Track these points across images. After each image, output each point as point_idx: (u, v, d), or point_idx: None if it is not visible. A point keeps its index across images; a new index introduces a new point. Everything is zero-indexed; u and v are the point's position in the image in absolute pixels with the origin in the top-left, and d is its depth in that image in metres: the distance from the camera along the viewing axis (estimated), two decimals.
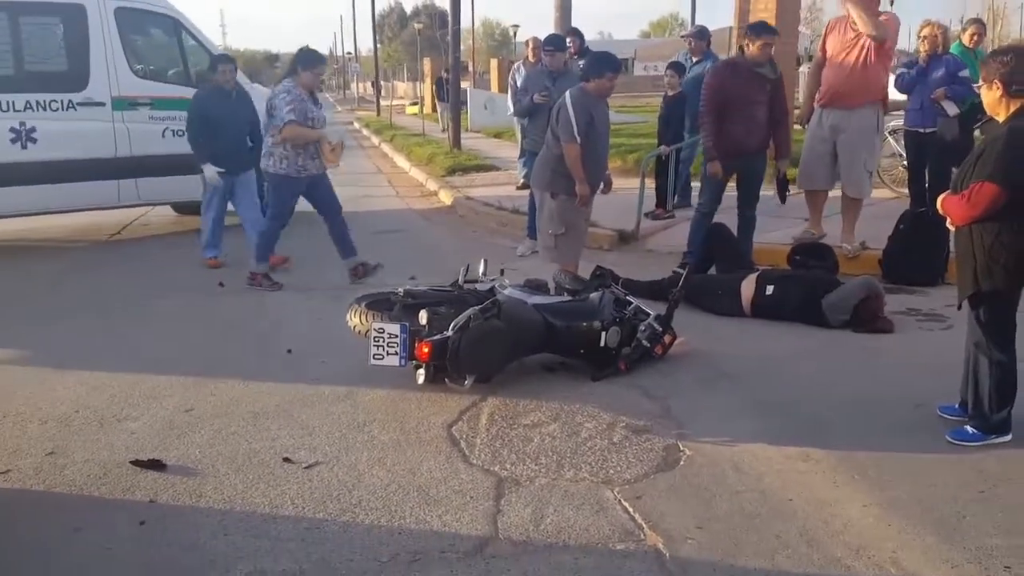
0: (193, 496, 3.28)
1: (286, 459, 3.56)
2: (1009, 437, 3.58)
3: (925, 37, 7.15)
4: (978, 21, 8.49)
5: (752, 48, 6.09)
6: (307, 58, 6.36)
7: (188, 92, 8.00)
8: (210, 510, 3.17)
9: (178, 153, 8.08)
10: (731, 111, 6.13)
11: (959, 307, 3.67)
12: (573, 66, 9.63)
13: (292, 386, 4.40)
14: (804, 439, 3.68)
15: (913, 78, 7.18)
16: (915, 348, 4.90)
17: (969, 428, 3.63)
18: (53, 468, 3.53)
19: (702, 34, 9.19)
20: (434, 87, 24.97)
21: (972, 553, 2.81)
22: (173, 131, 8.28)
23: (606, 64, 5.48)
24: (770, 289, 5.46)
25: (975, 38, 8.05)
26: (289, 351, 4.93)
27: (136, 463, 3.52)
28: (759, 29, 6.17)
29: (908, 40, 22.99)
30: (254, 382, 4.46)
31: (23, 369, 4.77)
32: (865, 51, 6.38)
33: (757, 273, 5.65)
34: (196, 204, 7.71)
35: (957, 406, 3.81)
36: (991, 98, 3.51)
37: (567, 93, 5.48)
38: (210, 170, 7.01)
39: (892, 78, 7.50)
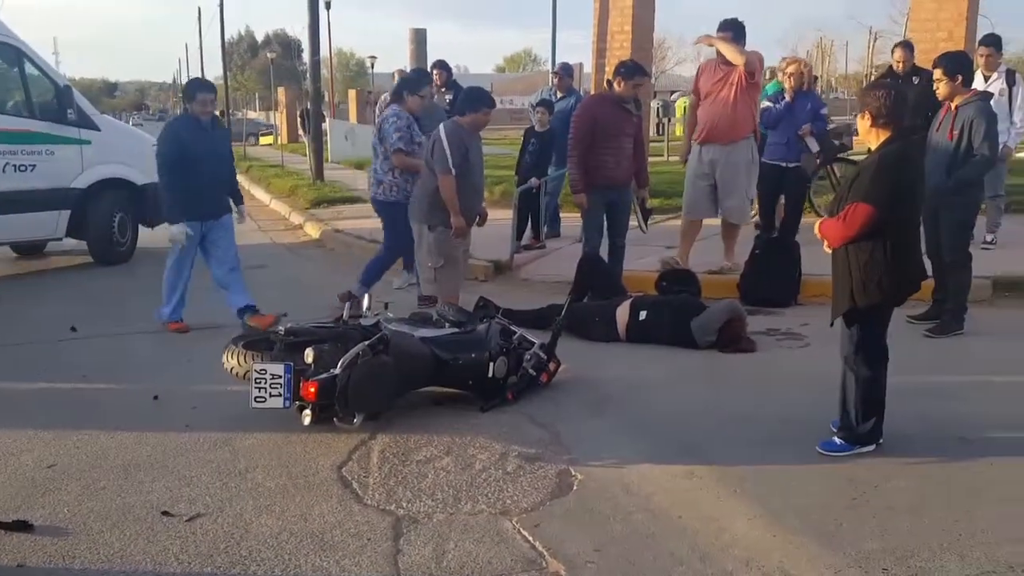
0: (67, 558, 3.05)
1: (165, 513, 3.36)
2: (874, 447, 3.81)
3: (791, 74, 7.34)
4: (798, 60, 9.14)
5: (622, 86, 6.37)
6: (413, 82, 6.27)
7: (31, 124, 7.54)
8: (87, 571, 2.96)
9: (19, 189, 7.61)
10: (600, 143, 6.38)
11: (832, 324, 3.90)
12: (438, 102, 9.73)
13: (163, 434, 4.16)
14: (687, 457, 3.82)
15: (780, 113, 7.35)
16: (777, 365, 5.19)
17: (837, 440, 3.84)
18: None
19: (568, 71, 9.48)
20: (300, 118, 24.53)
21: (852, 558, 2.98)
22: (15, 166, 7.77)
23: (481, 99, 5.58)
24: (643, 314, 5.66)
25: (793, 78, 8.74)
26: (156, 397, 4.67)
27: None
28: (632, 70, 6.46)
29: None
30: (121, 432, 4.19)
31: None
32: (735, 88, 6.78)
33: (630, 300, 5.84)
34: (38, 244, 7.23)
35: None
36: (863, 127, 3.81)
37: (441, 126, 5.51)
38: (180, 228, 5.90)
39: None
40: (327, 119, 22.28)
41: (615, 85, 6.44)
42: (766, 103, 7.63)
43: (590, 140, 6.39)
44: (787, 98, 7.32)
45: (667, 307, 5.75)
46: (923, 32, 9.25)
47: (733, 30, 6.82)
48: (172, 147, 5.82)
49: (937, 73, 5.51)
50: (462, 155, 5.37)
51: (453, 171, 5.33)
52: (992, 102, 6.38)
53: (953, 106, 5.48)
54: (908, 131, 3.86)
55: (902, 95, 3.77)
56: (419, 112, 6.48)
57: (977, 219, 5.80)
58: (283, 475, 3.70)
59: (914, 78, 7.77)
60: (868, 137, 3.80)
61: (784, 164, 7.41)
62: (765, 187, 7.67)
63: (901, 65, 8.01)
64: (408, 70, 9.17)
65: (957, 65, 5.50)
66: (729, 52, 6.74)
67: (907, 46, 8.23)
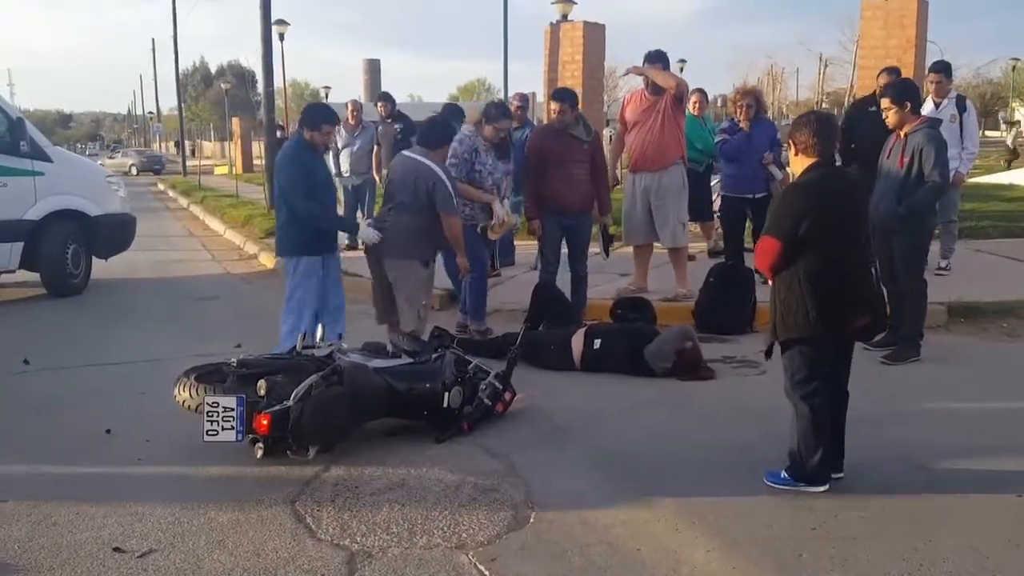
0: None
1: (116, 549, 3.28)
2: (825, 488, 3.72)
3: (747, 105, 7.36)
4: (700, 91, 9.29)
5: (487, 129, 6.37)
6: (493, 112, 6.32)
7: None
8: None
9: None
10: (550, 170, 6.49)
11: (766, 355, 3.90)
12: (385, 132, 9.74)
13: (115, 468, 4.08)
14: (644, 487, 3.81)
15: (738, 143, 7.33)
16: (734, 393, 5.23)
17: (783, 472, 3.79)
18: None
19: (524, 101, 9.58)
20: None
21: None
22: None
23: (447, 133, 5.75)
24: (597, 343, 5.68)
25: (697, 106, 9.08)
26: (108, 431, 4.56)
27: None
28: (554, 95, 6.67)
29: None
30: (72, 467, 4.11)
31: None
32: (662, 115, 6.96)
33: (584, 328, 5.86)
34: None
35: None
36: (791, 157, 3.86)
37: (433, 165, 5.44)
38: (370, 232, 5.50)
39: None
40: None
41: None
42: (721, 135, 7.72)
43: (541, 169, 6.51)
44: (743, 127, 7.38)
45: (621, 335, 5.78)
46: (873, 59, 9.48)
47: (661, 60, 7.07)
48: (304, 172, 5.39)
49: (885, 102, 5.56)
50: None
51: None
52: (943, 128, 6.57)
53: (903, 133, 5.53)
54: (830, 159, 3.81)
55: (826, 125, 3.76)
56: (494, 140, 6.44)
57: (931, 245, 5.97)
58: (236, 509, 3.63)
59: (872, 107, 7.84)
60: (794, 166, 3.83)
61: (751, 196, 7.47)
62: (731, 220, 7.69)
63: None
64: (361, 100, 9.18)
65: (905, 93, 5.57)
66: (661, 77, 6.96)
67: (892, 71, 8.14)
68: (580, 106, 6.96)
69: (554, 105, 6.55)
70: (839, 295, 3.63)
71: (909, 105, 5.50)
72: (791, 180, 3.85)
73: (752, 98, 7.50)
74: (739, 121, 7.56)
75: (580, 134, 6.54)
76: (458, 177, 6.03)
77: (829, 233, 3.61)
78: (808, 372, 3.69)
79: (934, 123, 5.74)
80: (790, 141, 3.81)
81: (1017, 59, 48.80)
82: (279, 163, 5.57)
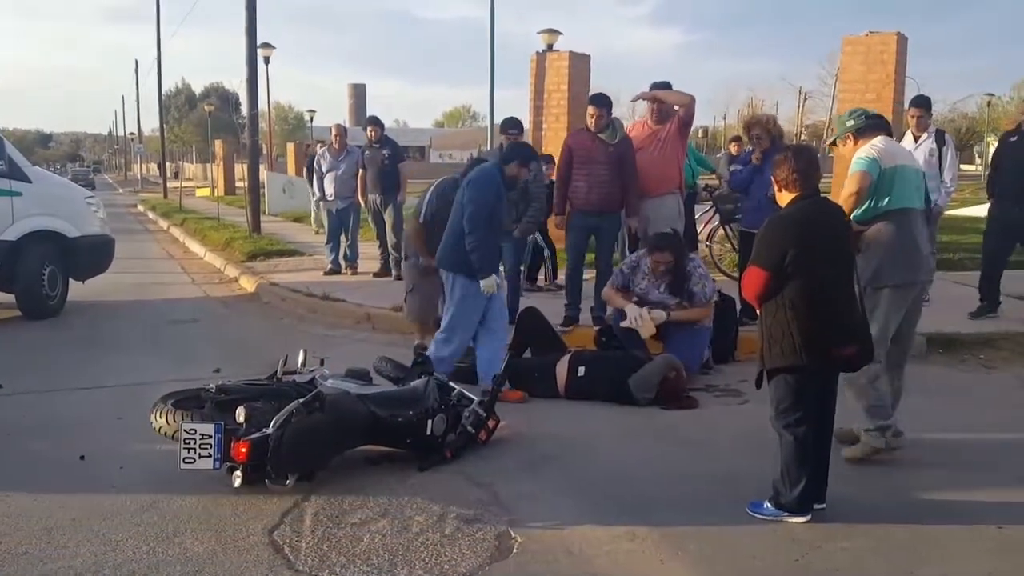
0: None
1: None
2: (807, 518, 3.71)
3: (757, 136, 7.13)
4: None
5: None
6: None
7: None
8: None
9: None
10: (574, 169, 6.92)
11: (756, 384, 3.90)
12: (373, 157, 9.76)
13: (88, 496, 3.98)
14: (627, 517, 3.78)
15: (748, 175, 7.12)
16: (718, 423, 5.22)
17: (766, 503, 3.78)
18: None
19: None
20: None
21: None
22: None
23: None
24: (582, 370, 5.66)
25: None
26: (82, 457, 4.47)
27: None
28: (592, 100, 7.01)
29: None
30: (44, 494, 4.00)
31: None
32: (663, 143, 6.99)
33: (569, 355, 5.84)
34: None
35: None
36: (776, 194, 3.90)
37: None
38: (493, 280, 5.60)
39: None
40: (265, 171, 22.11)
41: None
42: (735, 166, 7.72)
43: (568, 167, 6.96)
44: (754, 161, 7.08)
45: (606, 363, 5.76)
46: (852, 93, 9.59)
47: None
48: (494, 201, 5.57)
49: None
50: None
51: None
52: (923, 162, 6.57)
53: None
54: (814, 191, 3.84)
55: (804, 159, 3.80)
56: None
57: None
58: (212, 539, 3.55)
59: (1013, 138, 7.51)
60: (781, 202, 3.88)
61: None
62: (743, 256, 7.47)
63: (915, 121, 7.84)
64: (346, 124, 9.19)
65: (874, 127, 5.59)
66: (673, 96, 7.08)
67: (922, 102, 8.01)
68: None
69: (592, 109, 6.86)
70: (824, 324, 3.64)
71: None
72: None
73: (761, 128, 7.17)
74: (753, 152, 7.28)
75: (607, 137, 6.80)
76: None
77: (814, 262, 3.64)
78: (793, 401, 3.70)
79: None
80: (772, 179, 3.86)
81: (992, 95, 49.83)
82: (472, 183, 5.61)
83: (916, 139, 7.75)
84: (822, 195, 3.94)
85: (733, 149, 8.58)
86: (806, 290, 3.62)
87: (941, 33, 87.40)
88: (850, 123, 4.55)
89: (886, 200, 4.27)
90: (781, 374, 3.70)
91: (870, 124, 4.55)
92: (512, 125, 7.48)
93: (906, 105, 8.35)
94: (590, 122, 6.85)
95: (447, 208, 5.82)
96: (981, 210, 19.08)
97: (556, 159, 7.35)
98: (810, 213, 3.76)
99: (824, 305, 3.65)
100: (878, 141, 4.44)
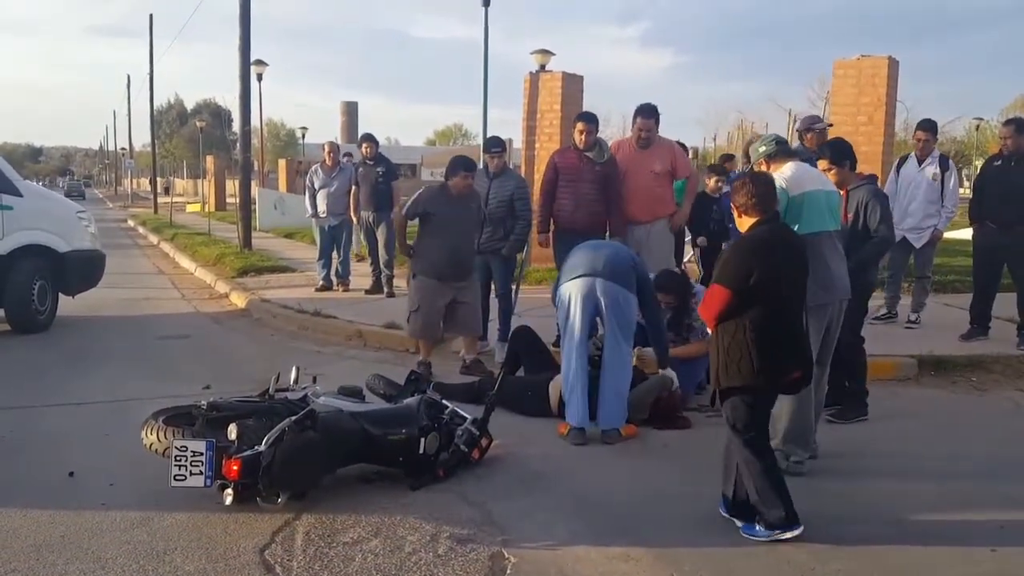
0: None
1: None
2: (799, 531, 3.72)
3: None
4: (678, 143, 9.30)
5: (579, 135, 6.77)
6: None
7: None
8: None
9: None
10: (560, 187, 6.88)
11: (711, 404, 3.95)
12: (367, 173, 9.81)
13: (78, 513, 3.93)
14: (622, 537, 3.76)
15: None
16: (710, 443, 5.15)
17: (757, 525, 3.78)
18: None
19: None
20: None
21: None
22: None
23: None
24: None
25: None
26: (71, 474, 4.43)
27: None
28: (580, 117, 6.97)
29: None
30: (33, 511, 3.95)
31: None
32: (658, 176, 6.94)
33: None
34: None
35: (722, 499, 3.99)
36: (736, 220, 3.98)
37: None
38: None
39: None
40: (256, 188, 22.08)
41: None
42: (726, 188, 7.77)
43: (553, 185, 6.93)
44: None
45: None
46: (844, 115, 9.68)
47: (653, 116, 7.01)
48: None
49: (823, 163, 5.40)
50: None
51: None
52: (926, 186, 6.53)
53: (844, 192, 5.49)
54: (774, 216, 3.92)
55: (761, 184, 3.88)
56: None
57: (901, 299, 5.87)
58: (203, 558, 3.52)
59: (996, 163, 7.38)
60: (742, 228, 3.94)
61: None
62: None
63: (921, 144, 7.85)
64: (339, 141, 9.19)
65: (841, 153, 5.50)
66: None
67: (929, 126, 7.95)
68: None
69: (580, 126, 6.82)
70: (780, 346, 3.75)
71: (848, 163, 5.46)
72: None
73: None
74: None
75: (594, 155, 6.76)
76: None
77: (777, 285, 3.74)
78: (750, 420, 3.81)
79: (873, 179, 5.84)
80: (732, 206, 3.90)
81: (980, 118, 50.28)
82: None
83: (920, 162, 7.80)
84: (781, 220, 4.02)
85: (711, 185, 8.32)
86: (768, 312, 3.72)
87: (928, 56, 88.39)
88: (762, 149, 4.71)
89: (796, 227, 4.34)
90: (738, 394, 3.78)
91: (780, 150, 4.69)
92: (494, 144, 7.41)
93: (897, 127, 8.44)
94: (579, 138, 6.81)
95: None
96: (968, 233, 19.27)
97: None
98: (774, 235, 3.86)
99: (782, 327, 3.77)
100: (786, 169, 4.56)
